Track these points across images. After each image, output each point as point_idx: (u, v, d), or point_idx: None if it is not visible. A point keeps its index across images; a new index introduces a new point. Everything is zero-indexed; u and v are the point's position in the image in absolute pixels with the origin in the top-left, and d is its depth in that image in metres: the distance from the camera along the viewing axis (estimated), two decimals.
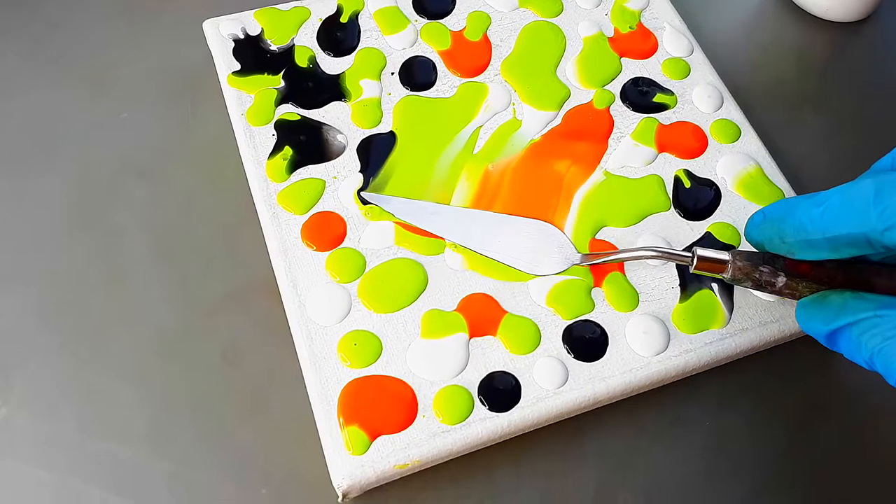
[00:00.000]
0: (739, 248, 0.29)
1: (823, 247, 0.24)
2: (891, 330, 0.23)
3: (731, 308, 0.31)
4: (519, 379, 0.29)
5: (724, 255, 0.28)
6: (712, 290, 0.31)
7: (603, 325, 0.30)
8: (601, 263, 0.31)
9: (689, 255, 0.28)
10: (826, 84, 0.42)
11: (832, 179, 0.37)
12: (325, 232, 0.31)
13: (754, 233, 0.28)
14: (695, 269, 0.28)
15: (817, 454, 0.31)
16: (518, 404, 0.28)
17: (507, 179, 0.34)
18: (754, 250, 0.28)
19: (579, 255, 0.31)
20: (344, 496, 0.27)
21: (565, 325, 0.30)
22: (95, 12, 0.40)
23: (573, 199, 0.33)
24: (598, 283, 0.31)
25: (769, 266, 0.27)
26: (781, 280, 0.27)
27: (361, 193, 0.32)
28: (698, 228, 0.33)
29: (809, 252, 0.25)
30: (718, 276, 0.28)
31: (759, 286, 0.27)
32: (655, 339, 0.30)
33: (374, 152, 0.34)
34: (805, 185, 0.36)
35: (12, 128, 0.36)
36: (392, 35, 0.37)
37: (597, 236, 0.33)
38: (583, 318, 0.30)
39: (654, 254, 0.29)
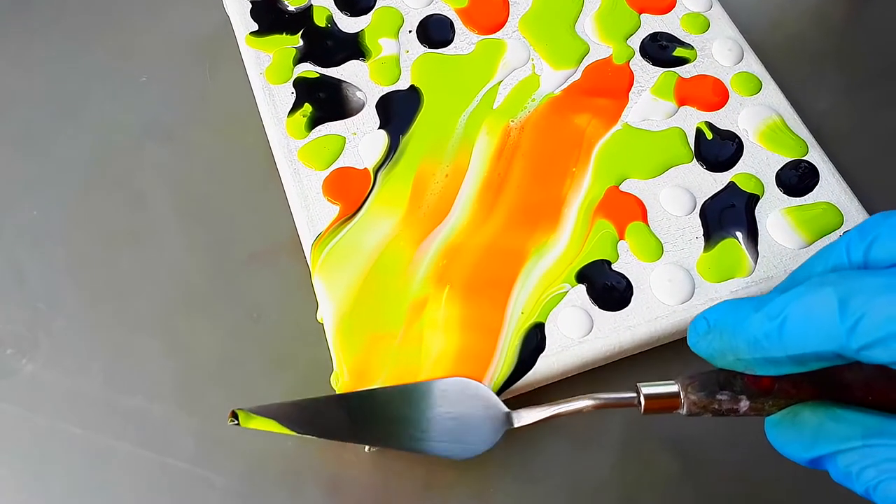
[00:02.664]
0: (687, 374, 0.23)
1: (786, 363, 0.21)
2: (886, 462, 0.20)
3: (755, 257, 0.31)
4: (545, 328, 0.29)
5: (673, 388, 0.23)
6: (737, 238, 0.31)
7: (627, 276, 0.30)
8: (536, 422, 0.25)
9: (634, 395, 0.24)
10: (846, 41, 0.41)
11: (852, 135, 0.37)
12: (346, 187, 0.31)
13: (701, 345, 0.23)
14: (644, 411, 0.24)
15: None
16: (543, 353, 0.28)
17: (527, 134, 0.34)
18: (703, 369, 0.24)
19: (509, 414, 0.26)
20: (369, 448, 0.27)
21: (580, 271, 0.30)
22: None
23: (592, 152, 0.33)
24: (621, 236, 0.31)
25: (727, 391, 0.23)
26: (745, 404, 0.23)
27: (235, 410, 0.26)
28: (721, 179, 0.33)
29: (770, 368, 0.21)
30: (674, 413, 0.24)
31: (720, 414, 0.23)
32: (680, 288, 0.30)
33: (398, 109, 0.34)
34: (827, 138, 0.36)
35: (37, 95, 0.36)
36: None
37: (621, 187, 0.32)
38: (609, 265, 0.30)
39: (593, 403, 0.24)
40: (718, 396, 0.23)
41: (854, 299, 0.19)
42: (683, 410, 0.23)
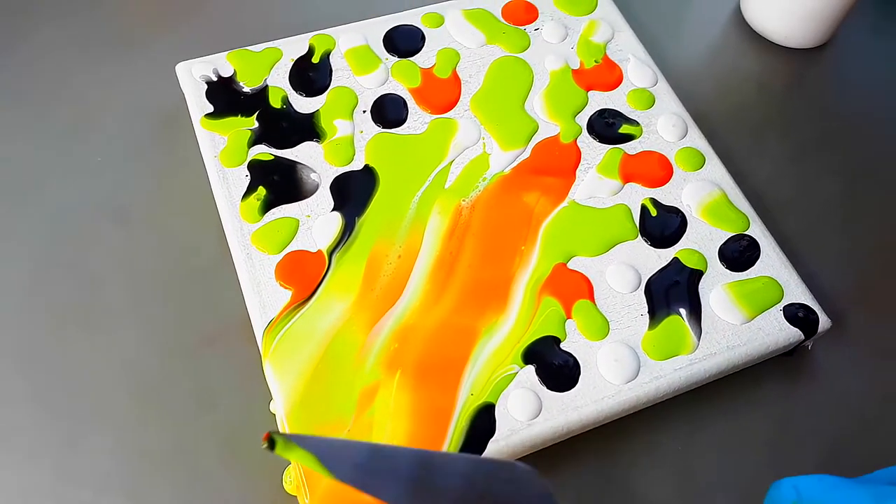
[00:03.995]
0: None
1: None
2: None
3: (699, 333, 0.32)
4: (494, 411, 0.29)
5: None
6: (680, 315, 0.32)
7: (575, 355, 0.31)
8: None
9: None
10: (787, 109, 0.43)
11: (794, 202, 0.39)
12: (299, 271, 0.32)
13: None
14: None
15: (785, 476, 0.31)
16: (493, 438, 0.29)
17: (478, 213, 0.35)
18: None
19: None
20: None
21: (527, 350, 0.31)
22: (70, 55, 0.41)
23: (540, 229, 0.34)
24: (568, 314, 0.32)
25: None
26: None
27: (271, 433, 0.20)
28: (665, 255, 0.34)
29: None
30: None
31: None
32: (626, 367, 0.31)
33: (353, 189, 0.34)
34: (769, 207, 0.37)
35: None
36: (363, 74, 0.38)
37: (568, 265, 0.33)
38: (557, 345, 0.31)
39: None
40: None
41: None
42: None
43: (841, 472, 0.31)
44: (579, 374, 0.30)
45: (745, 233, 0.35)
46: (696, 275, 0.33)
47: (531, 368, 0.30)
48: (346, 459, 0.20)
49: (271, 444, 0.19)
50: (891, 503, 0.20)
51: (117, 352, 0.32)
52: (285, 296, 0.31)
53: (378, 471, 0.20)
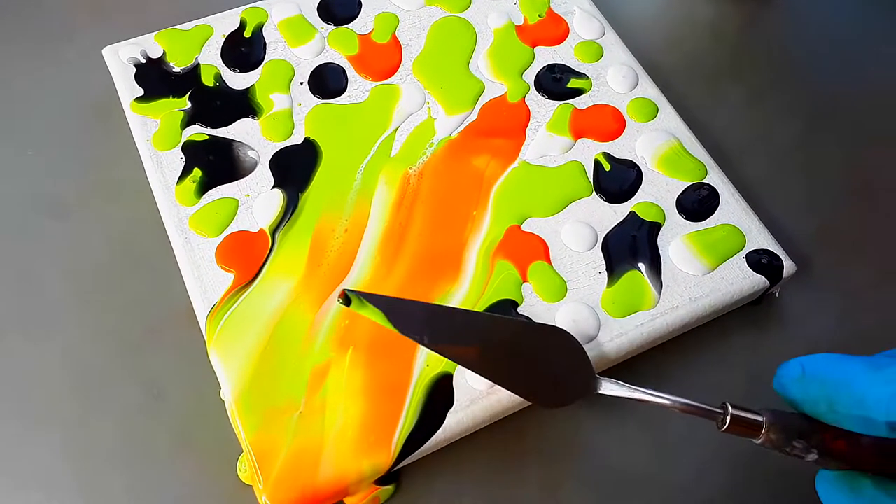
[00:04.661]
0: (771, 409, 0.24)
1: (882, 428, 0.21)
2: None
3: (659, 287, 0.31)
4: (452, 381, 0.28)
5: (759, 419, 0.24)
6: (640, 270, 0.31)
7: (533, 319, 0.30)
8: (621, 397, 0.26)
9: (721, 412, 0.24)
10: (742, 54, 0.42)
11: (752, 148, 0.37)
12: (240, 253, 0.31)
13: (793, 389, 0.23)
14: (725, 429, 0.24)
15: None
16: (451, 409, 0.28)
17: (426, 181, 0.33)
18: (785, 410, 0.24)
19: (603, 382, 0.26)
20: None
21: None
22: None
23: (491, 192, 0.33)
24: (524, 277, 0.31)
25: (803, 441, 0.23)
26: (812, 457, 0.23)
27: (347, 291, 0.24)
28: (621, 210, 0.33)
29: (861, 427, 0.22)
30: (746, 438, 0.24)
31: (785, 454, 0.24)
32: (586, 327, 0.30)
33: (294, 164, 0.33)
34: (726, 154, 0.36)
35: None
36: (299, 45, 0.36)
37: (522, 227, 0.32)
38: (514, 309, 0.30)
39: (680, 405, 0.25)
40: (794, 443, 0.23)
41: None
42: (758, 440, 0.24)
43: None
44: None
45: (704, 181, 0.34)
46: (655, 227, 0.32)
47: None
48: (407, 315, 0.25)
49: (346, 300, 0.24)
50: (888, 371, 0.21)
51: (60, 348, 0.31)
52: (227, 279, 0.30)
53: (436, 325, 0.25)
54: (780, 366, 0.24)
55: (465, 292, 0.30)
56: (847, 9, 0.45)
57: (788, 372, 0.24)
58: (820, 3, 0.45)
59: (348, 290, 0.24)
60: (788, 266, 0.32)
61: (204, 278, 0.30)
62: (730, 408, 0.24)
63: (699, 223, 0.33)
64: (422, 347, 0.29)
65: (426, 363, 0.29)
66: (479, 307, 0.30)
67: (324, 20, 0.37)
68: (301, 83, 0.35)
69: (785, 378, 0.24)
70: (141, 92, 0.35)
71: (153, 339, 0.31)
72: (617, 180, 0.33)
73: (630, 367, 0.31)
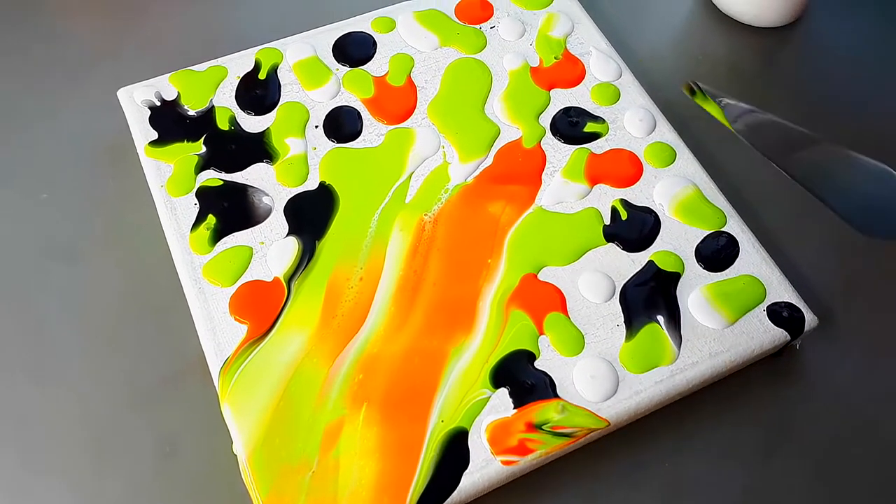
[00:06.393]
0: None
1: None
2: None
3: (679, 342, 0.30)
4: (468, 439, 0.28)
5: None
6: (658, 323, 0.31)
7: (550, 374, 0.29)
8: None
9: None
10: (761, 93, 0.41)
11: (773, 192, 0.37)
12: (254, 303, 0.30)
13: None
14: None
15: (781, 486, 0.30)
16: (467, 470, 0.27)
17: (441, 227, 0.33)
18: None
19: None
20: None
21: (498, 368, 0.29)
22: (8, 87, 0.39)
23: (505, 239, 0.32)
24: (540, 328, 0.30)
25: None
26: None
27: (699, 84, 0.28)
28: (640, 259, 0.32)
29: None
30: None
31: None
32: (604, 383, 0.29)
33: (309, 211, 0.33)
34: (746, 199, 0.36)
35: None
36: (314, 87, 0.36)
37: (539, 276, 0.32)
38: (530, 364, 0.29)
39: None
40: None
41: None
42: None
43: (839, 479, 0.30)
44: (555, 394, 0.29)
45: (723, 229, 0.33)
46: (673, 278, 0.32)
47: (505, 392, 0.29)
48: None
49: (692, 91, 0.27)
50: None
51: (70, 398, 0.31)
52: (241, 331, 0.30)
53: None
54: None
55: (478, 343, 0.30)
56: (869, 40, 0.44)
57: None
58: (840, 35, 0.44)
59: (692, 83, 0.29)
60: (810, 319, 0.31)
61: (217, 330, 0.30)
62: None
63: (719, 273, 0.32)
64: (436, 400, 0.29)
65: (440, 418, 0.28)
66: (493, 358, 0.30)
67: (339, 61, 0.37)
68: (316, 126, 0.35)
69: None
70: (155, 135, 0.34)
71: (166, 389, 0.31)
72: (634, 228, 0.33)
73: (646, 421, 0.30)
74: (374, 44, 0.38)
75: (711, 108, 0.26)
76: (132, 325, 0.32)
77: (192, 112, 0.35)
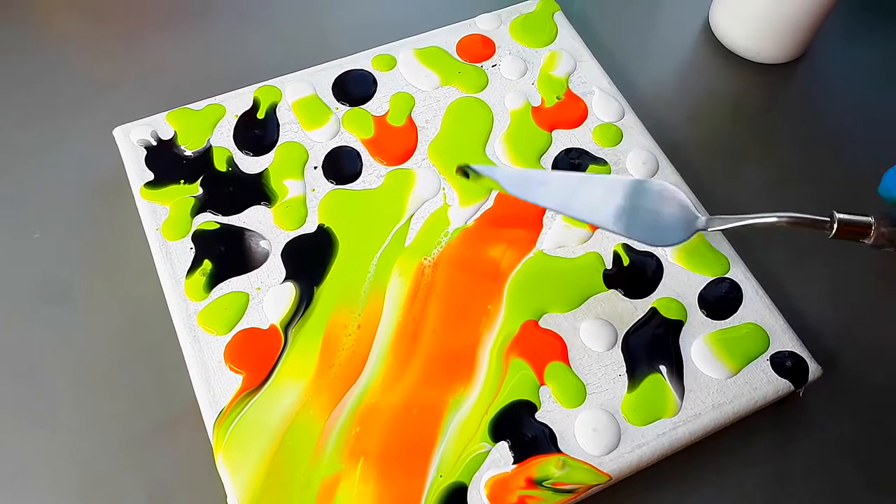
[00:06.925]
0: (881, 212, 0.28)
1: None
2: None
3: (681, 393, 0.30)
4: (466, 495, 0.27)
5: (867, 219, 0.27)
6: (661, 373, 0.30)
7: (551, 426, 0.29)
8: (729, 229, 0.30)
9: (827, 219, 0.27)
10: (764, 131, 0.41)
11: (776, 237, 0.36)
12: (250, 352, 0.30)
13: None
14: (834, 235, 0.27)
15: None
16: None
17: (441, 271, 0.32)
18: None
19: (702, 218, 0.30)
20: None
21: (497, 420, 0.29)
22: (2, 123, 0.38)
23: (505, 284, 0.32)
24: (541, 378, 0.30)
25: None
26: None
27: (471, 167, 0.30)
28: (642, 306, 0.32)
29: None
30: (859, 241, 0.27)
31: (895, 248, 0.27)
32: (606, 436, 0.29)
33: (306, 255, 0.32)
34: (748, 240, 0.35)
35: None
36: (313, 127, 0.36)
37: (540, 322, 0.31)
38: (531, 416, 0.29)
39: (786, 220, 0.28)
40: None
41: None
42: (870, 240, 0.26)
43: None
44: (556, 447, 0.28)
45: (726, 276, 0.33)
46: (676, 326, 0.31)
47: (504, 445, 0.28)
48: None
49: (464, 174, 0.30)
50: None
51: (59, 444, 0.30)
52: (236, 381, 0.29)
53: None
54: (886, 172, 0.28)
55: (477, 393, 0.29)
56: (873, 77, 0.44)
57: (894, 175, 0.27)
58: (844, 72, 0.44)
59: (464, 166, 0.30)
60: (814, 369, 0.31)
61: (212, 380, 0.29)
62: (836, 214, 0.27)
63: (722, 321, 0.32)
64: (435, 454, 0.28)
65: (439, 473, 0.28)
66: (493, 409, 0.29)
67: (339, 100, 0.37)
68: (315, 167, 0.35)
69: (890, 182, 0.27)
70: (151, 176, 0.34)
71: (158, 436, 0.30)
72: (637, 274, 0.33)
73: (649, 472, 0.29)
74: (375, 82, 0.37)
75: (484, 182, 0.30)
76: (125, 368, 0.32)
77: (188, 152, 0.35)
